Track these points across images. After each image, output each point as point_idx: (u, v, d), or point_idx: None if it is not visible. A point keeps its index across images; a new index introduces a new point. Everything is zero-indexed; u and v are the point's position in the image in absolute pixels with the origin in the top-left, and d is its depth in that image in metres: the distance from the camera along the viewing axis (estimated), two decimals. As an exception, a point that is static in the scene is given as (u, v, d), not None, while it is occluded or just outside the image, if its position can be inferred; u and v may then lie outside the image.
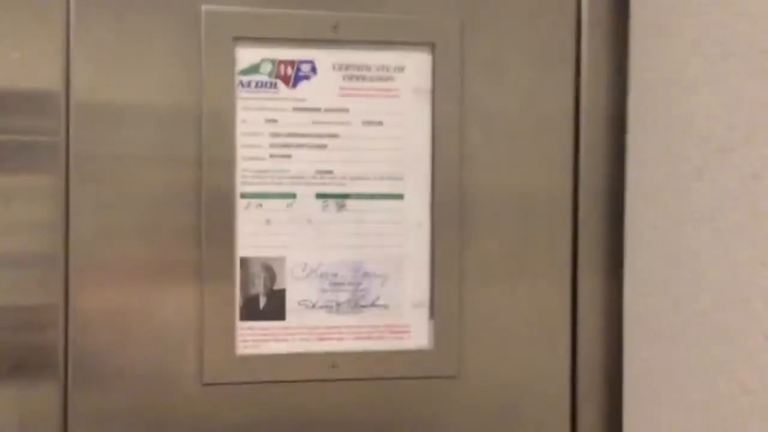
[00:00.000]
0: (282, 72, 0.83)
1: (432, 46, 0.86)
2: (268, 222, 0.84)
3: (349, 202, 0.85)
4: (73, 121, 0.79)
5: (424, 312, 0.87)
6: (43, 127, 0.79)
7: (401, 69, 0.86)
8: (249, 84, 0.83)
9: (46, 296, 0.79)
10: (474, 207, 0.87)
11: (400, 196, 0.86)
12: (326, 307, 0.85)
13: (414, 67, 0.86)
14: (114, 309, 0.80)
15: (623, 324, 0.87)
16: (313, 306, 0.85)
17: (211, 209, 0.82)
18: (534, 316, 0.89)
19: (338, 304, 0.85)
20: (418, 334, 0.87)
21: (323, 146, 0.84)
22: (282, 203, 0.84)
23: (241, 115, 0.83)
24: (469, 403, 0.87)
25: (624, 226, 0.87)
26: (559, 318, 0.89)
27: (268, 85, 0.83)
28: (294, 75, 0.84)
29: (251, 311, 0.84)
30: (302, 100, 0.84)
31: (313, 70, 0.84)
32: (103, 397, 0.81)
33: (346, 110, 0.85)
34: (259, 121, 0.83)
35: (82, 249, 0.80)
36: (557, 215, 0.89)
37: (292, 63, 0.84)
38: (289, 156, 0.84)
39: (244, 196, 0.83)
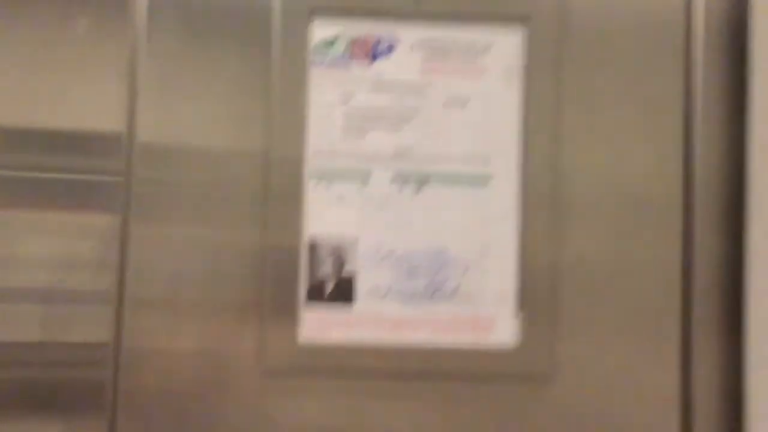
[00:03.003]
0: (359, 47, 0.80)
1: (526, 20, 0.80)
2: (339, 201, 0.79)
3: (428, 185, 0.79)
4: (135, 161, 0.78)
5: (512, 304, 0.78)
6: (106, 166, 0.78)
7: (490, 45, 0.80)
8: (323, 62, 0.80)
9: (98, 334, 0.77)
10: (570, 198, 0.79)
11: (486, 181, 0.79)
12: (400, 295, 0.78)
13: (505, 44, 0.80)
14: (166, 351, 0.77)
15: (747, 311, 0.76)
16: (386, 294, 0.78)
17: (278, 186, 0.78)
18: (639, 312, 0.79)
19: (413, 293, 0.78)
20: (503, 329, 0.78)
21: (401, 126, 0.79)
22: (355, 183, 0.79)
23: (313, 93, 0.79)
24: (562, 407, 0.78)
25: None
26: (668, 311, 0.79)
27: (344, 59, 0.80)
28: (372, 50, 0.80)
29: (317, 296, 0.78)
30: (380, 76, 0.80)
31: (393, 45, 0.80)
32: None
33: (427, 88, 0.80)
34: (333, 99, 0.79)
35: (137, 288, 0.77)
36: (666, 206, 0.80)
37: (369, 38, 0.80)
38: (363, 135, 0.79)
39: (314, 174, 0.79)
